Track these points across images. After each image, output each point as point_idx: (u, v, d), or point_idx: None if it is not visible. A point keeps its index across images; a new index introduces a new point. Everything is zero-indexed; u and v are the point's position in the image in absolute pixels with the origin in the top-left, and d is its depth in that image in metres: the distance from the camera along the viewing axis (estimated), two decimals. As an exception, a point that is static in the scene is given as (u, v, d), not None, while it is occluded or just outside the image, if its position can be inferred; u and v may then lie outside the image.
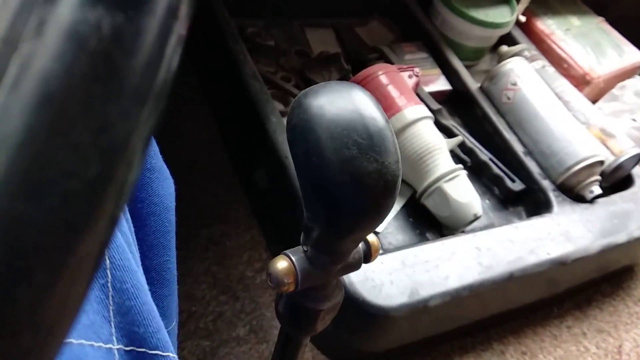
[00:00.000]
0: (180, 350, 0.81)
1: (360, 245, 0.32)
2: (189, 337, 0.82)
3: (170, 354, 0.34)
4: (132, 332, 0.32)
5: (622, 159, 0.96)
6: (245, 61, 0.88)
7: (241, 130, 0.96)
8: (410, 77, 0.94)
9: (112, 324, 0.31)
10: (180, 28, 0.15)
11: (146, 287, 0.34)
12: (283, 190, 0.80)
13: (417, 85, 0.95)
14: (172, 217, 0.43)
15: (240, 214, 0.94)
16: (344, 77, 0.99)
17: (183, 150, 0.97)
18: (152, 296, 0.41)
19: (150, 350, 0.32)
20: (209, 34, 0.95)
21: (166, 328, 0.43)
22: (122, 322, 0.32)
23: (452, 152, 0.91)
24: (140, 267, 0.36)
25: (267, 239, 0.92)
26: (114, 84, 0.14)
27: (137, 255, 0.37)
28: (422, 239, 0.86)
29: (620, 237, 0.90)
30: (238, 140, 0.99)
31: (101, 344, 0.30)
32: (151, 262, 0.41)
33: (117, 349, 0.31)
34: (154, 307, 0.34)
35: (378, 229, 0.84)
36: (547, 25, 1.21)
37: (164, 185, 0.44)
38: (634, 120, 1.09)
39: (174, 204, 0.44)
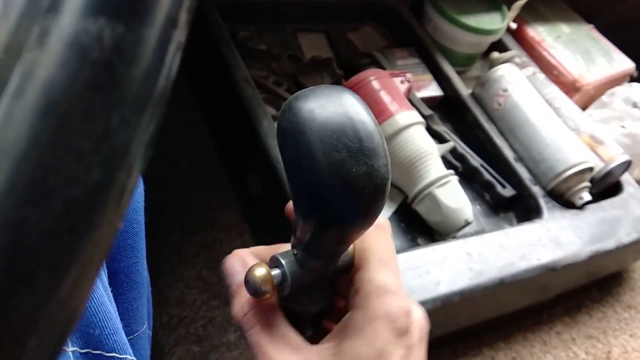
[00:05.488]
0: (170, 356, 0.80)
1: (350, 248, 0.32)
2: (179, 342, 0.81)
3: (128, 356, 0.34)
4: (87, 334, 0.32)
5: (611, 166, 0.97)
6: (237, 65, 0.88)
7: (233, 135, 0.96)
8: (402, 82, 0.94)
9: None
10: (179, 36, 0.16)
11: (103, 288, 0.34)
12: (275, 195, 0.80)
13: (409, 91, 0.96)
14: (141, 217, 0.43)
15: (232, 219, 0.94)
16: (336, 82, 0.99)
17: (175, 155, 0.97)
18: (120, 299, 0.40)
19: (106, 352, 0.32)
20: (201, 38, 0.95)
21: (136, 332, 0.43)
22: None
23: (443, 157, 0.91)
24: (100, 268, 0.35)
25: (259, 244, 0.92)
26: (115, 92, 0.14)
27: None
28: (413, 244, 0.86)
29: (610, 244, 0.91)
30: (230, 145, 0.99)
31: None
32: (119, 264, 0.41)
33: (72, 352, 0.31)
34: (111, 309, 0.34)
35: (370, 235, 0.84)
36: (538, 32, 1.22)
37: None
38: (623, 127, 1.10)
39: (142, 204, 0.43)
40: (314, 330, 0.33)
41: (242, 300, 0.31)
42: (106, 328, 0.32)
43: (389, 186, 0.26)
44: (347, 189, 0.25)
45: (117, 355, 0.33)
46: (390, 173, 0.26)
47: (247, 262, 0.33)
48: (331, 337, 0.30)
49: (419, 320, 0.31)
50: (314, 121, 0.24)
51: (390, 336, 0.29)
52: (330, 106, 0.25)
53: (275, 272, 0.31)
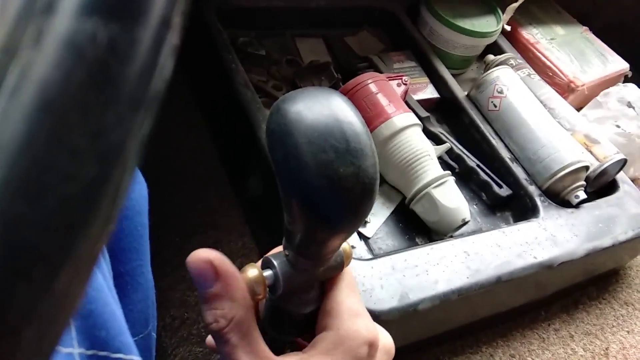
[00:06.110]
0: (173, 357, 0.81)
1: (342, 248, 0.33)
2: (182, 343, 0.82)
3: (134, 357, 0.34)
4: (93, 335, 0.32)
5: (606, 165, 0.98)
6: (237, 70, 0.89)
7: (233, 138, 0.97)
8: (399, 85, 0.95)
9: (73, 327, 0.31)
10: (173, 37, 0.16)
11: (107, 290, 0.34)
12: (275, 197, 0.81)
13: (405, 94, 0.97)
14: (145, 220, 0.43)
15: (233, 221, 0.95)
16: (334, 86, 1.00)
17: (176, 157, 0.98)
18: (125, 301, 0.40)
19: (113, 353, 0.32)
20: (202, 44, 0.97)
21: (141, 333, 0.43)
22: (83, 326, 0.31)
23: (440, 158, 0.92)
24: (106, 270, 0.36)
25: (260, 246, 0.93)
26: (110, 90, 0.14)
27: (104, 257, 0.37)
28: (411, 243, 0.87)
29: (606, 241, 0.92)
30: (230, 148, 1.00)
31: (60, 348, 0.30)
32: (124, 266, 0.41)
33: (79, 353, 0.31)
34: (116, 310, 0.34)
35: (368, 234, 0.85)
36: (532, 35, 1.24)
37: (136, 189, 0.44)
38: (617, 126, 1.12)
39: (146, 207, 0.44)
40: (304, 331, 0.33)
41: (222, 311, 0.29)
42: (112, 329, 0.32)
43: (377, 186, 0.26)
44: (334, 190, 0.25)
45: (123, 356, 0.33)
46: (378, 173, 0.26)
47: (217, 265, 0.29)
48: (299, 353, 0.31)
49: (386, 346, 0.33)
50: (301, 123, 0.25)
51: (358, 357, 0.30)
52: (318, 108, 0.25)
53: (267, 273, 0.31)
